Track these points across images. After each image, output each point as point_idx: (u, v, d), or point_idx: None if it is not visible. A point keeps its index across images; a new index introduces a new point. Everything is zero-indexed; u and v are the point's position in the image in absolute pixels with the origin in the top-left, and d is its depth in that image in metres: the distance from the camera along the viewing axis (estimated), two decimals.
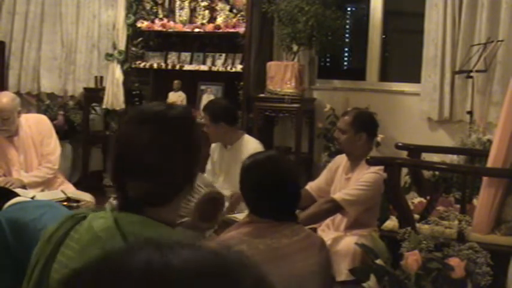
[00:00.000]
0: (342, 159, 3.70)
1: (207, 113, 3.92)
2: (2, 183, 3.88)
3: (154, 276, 0.58)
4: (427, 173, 4.00)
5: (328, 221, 3.63)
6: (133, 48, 5.80)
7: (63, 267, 1.38)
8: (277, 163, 2.28)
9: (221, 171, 4.00)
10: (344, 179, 3.57)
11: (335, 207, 3.38)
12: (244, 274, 0.60)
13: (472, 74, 4.69)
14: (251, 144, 3.86)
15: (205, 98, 5.55)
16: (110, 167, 1.45)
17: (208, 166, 4.11)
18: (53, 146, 4.21)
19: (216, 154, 4.06)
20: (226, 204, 3.40)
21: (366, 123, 3.57)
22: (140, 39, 5.82)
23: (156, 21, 5.75)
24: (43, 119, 4.35)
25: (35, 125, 4.19)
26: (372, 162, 3.31)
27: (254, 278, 0.61)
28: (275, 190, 2.21)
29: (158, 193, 1.41)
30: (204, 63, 5.67)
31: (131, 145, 1.41)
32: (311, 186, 3.70)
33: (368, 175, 3.38)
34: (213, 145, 4.08)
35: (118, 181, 1.43)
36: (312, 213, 3.33)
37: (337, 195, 3.39)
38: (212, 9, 5.64)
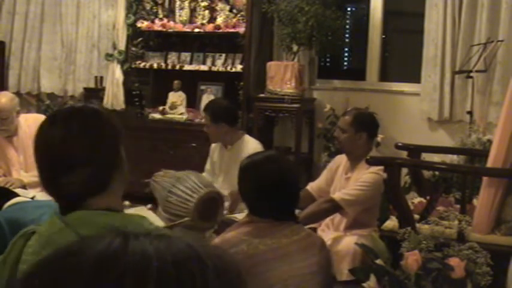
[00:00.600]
0: (341, 159, 3.70)
1: (207, 113, 3.92)
2: (2, 183, 3.88)
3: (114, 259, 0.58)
4: (427, 173, 4.00)
5: (327, 220, 3.63)
6: (133, 48, 5.80)
7: None
8: (276, 163, 2.28)
9: (221, 172, 4.00)
10: (344, 179, 3.57)
11: (334, 207, 3.38)
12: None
13: (472, 74, 4.69)
14: (251, 145, 3.86)
15: (205, 98, 5.55)
16: (38, 174, 1.52)
17: (208, 166, 4.11)
18: None
19: (215, 154, 4.05)
20: (226, 204, 3.40)
21: (366, 123, 3.58)
22: (140, 39, 5.82)
23: (156, 21, 5.75)
24: (42, 118, 4.34)
25: (34, 125, 4.17)
26: (372, 162, 3.31)
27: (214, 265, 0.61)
28: (274, 190, 2.21)
29: (87, 183, 1.45)
30: (204, 63, 5.67)
31: (48, 144, 1.47)
32: (311, 187, 3.70)
33: (368, 175, 3.38)
34: (212, 145, 4.08)
35: (50, 183, 1.47)
36: (311, 213, 3.33)
37: (337, 195, 3.39)
38: (212, 9, 5.64)
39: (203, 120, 3.93)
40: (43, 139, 1.49)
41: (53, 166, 1.46)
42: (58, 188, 1.46)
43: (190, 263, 0.60)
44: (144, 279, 0.57)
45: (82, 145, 1.45)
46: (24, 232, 1.49)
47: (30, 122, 4.17)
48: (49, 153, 1.47)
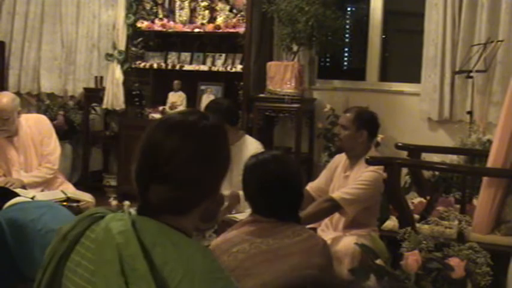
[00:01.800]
0: (341, 158, 3.70)
1: (209, 112, 3.92)
2: (2, 183, 3.88)
3: None
4: (427, 173, 4.00)
5: (327, 220, 3.63)
6: (133, 48, 5.80)
7: (77, 265, 1.38)
8: (281, 163, 2.28)
9: None
10: (343, 177, 3.57)
11: (334, 206, 3.38)
12: None
13: (472, 74, 4.69)
14: (252, 145, 3.86)
15: (205, 98, 5.55)
16: (134, 168, 1.42)
17: None
18: (53, 146, 4.21)
19: None
20: (226, 204, 3.40)
21: (367, 121, 3.58)
22: (140, 39, 5.82)
23: (156, 21, 5.75)
24: (43, 119, 4.35)
25: (35, 125, 4.19)
26: (372, 162, 3.30)
27: None
28: (278, 190, 2.21)
29: (179, 201, 1.39)
30: (204, 63, 5.67)
31: (158, 150, 1.39)
32: (311, 187, 3.70)
33: (367, 173, 3.38)
34: None
35: (141, 184, 1.41)
36: (311, 213, 3.32)
37: (336, 194, 3.39)
38: (212, 10, 5.64)
39: None
40: (155, 143, 1.40)
41: (152, 171, 1.39)
42: (146, 189, 1.39)
43: None
44: None
45: (190, 167, 1.38)
46: (92, 214, 1.43)
47: (30, 123, 4.18)
48: (155, 159, 1.39)
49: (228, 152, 1.48)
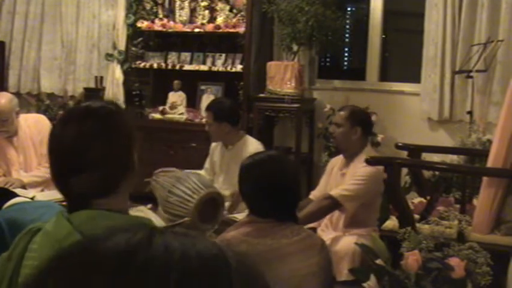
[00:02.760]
0: (337, 160, 3.73)
1: (210, 111, 3.91)
2: (1, 183, 3.88)
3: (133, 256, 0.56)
4: (427, 173, 4.00)
5: (327, 220, 3.63)
6: (133, 48, 5.80)
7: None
8: (277, 163, 2.28)
9: (221, 171, 4.00)
10: (339, 175, 3.58)
11: (333, 204, 3.38)
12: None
13: (472, 74, 4.69)
14: (253, 145, 3.86)
15: (205, 98, 5.55)
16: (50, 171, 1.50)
17: (207, 164, 4.11)
18: None
19: (216, 154, 4.05)
20: (226, 204, 3.40)
21: (361, 119, 3.61)
22: (140, 39, 5.82)
23: (156, 21, 5.75)
24: (42, 118, 4.34)
25: (34, 125, 4.19)
26: (372, 162, 3.31)
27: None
28: (275, 190, 2.21)
29: (99, 183, 1.44)
30: (204, 63, 5.67)
31: (61, 142, 1.46)
32: (314, 195, 3.69)
33: (363, 169, 3.39)
34: (213, 144, 4.08)
35: (59, 180, 1.47)
36: (310, 212, 3.33)
37: (334, 192, 3.39)
38: (212, 9, 5.64)
39: (203, 120, 3.92)
40: (56, 137, 1.48)
41: (64, 165, 1.45)
42: (67, 187, 1.45)
43: (215, 260, 0.58)
44: (166, 273, 0.55)
45: (95, 147, 1.44)
46: (29, 229, 1.49)
47: (30, 122, 4.17)
48: (61, 152, 1.46)
49: (129, 127, 1.54)
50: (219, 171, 4.02)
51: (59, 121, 1.51)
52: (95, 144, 1.44)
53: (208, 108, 3.98)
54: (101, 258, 0.57)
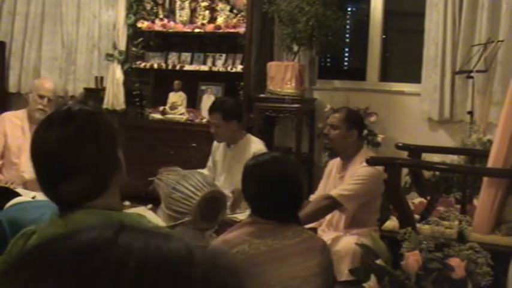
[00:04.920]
0: (334, 163, 3.74)
1: (218, 111, 3.85)
2: (2, 182, 3.89)
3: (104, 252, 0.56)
4: (427, 173, 4.00)
5: (327, 221, 3.64)
6: (134, 49, 5.80)
7: None
8: (281, 164, 2.28)
9: (223, 170, 4.00)
10: (338, 178, 3.59)
11: (333, 204, 3.39)
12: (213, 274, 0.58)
13: (472, 74, 4.69)
14: (255, 145, 3.86)
15: (206, 98, 5.56)
16: (36, 176, 1.49)
17: (209, 163, 4.11)
18: None
19: (217, 153, 4.05)
20: (228, 203, 3.40)
21: (357, 121, 3.63)
22: (140, 39, 5.82)
23: (157, 21, 5.75)
24: None
25: None
26: (373, 162, 3.31)
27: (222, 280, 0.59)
28: (278, 191, 2.21)
29: (87, 188, 1.44)
30: (204, 63, 5.67)
31: (45, 147, 1.45)
32: (314, 199, 3.70)
33: (362, 169, 3.40)
34: (215, 143, 4.07)
35: (47, 187, 1.46)
36: (310, 212, 3.33)
37: (334, 192, 3.40)
38: (212, 10, 5.64)
39: (204, 121, 3.91)
40: (39, 144, 1.46)
41: (50, 173, 1.44)
42: (56, 195, 1.44)
43: (176, 265, 0.57)
44: (120, 274, 0.54)
45: (80, 150, 1.44)
46: (24, 232, 1.49)
47: None
48: (45, 159, 1.45)
49: (111, 126, 1.54)
50: (220, 170, 4.02)
51: (40, 127, 1.49)
52: (80, 147, 1.44)
53: (215, 109, 3.91)
54: (58, 257, 0.57)
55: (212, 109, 3.94)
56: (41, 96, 4.18)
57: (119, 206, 1.53)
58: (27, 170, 4.13)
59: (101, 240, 0.57)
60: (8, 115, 4.36)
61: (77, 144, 1.44)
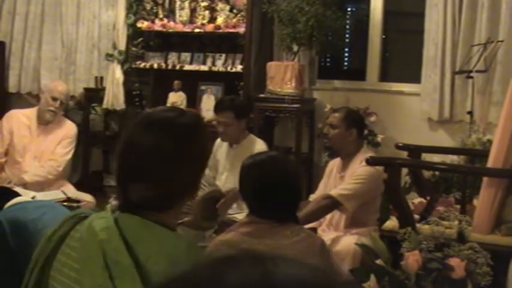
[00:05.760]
0: (334, 163, 3.74)
1: (230, 110, 3.80)
2: (4, 181, 3.91)
3: None
4: (427, 173, 4.00)
5: (327, 221, 3.64)
6: (134, 49, 5.80)
7: (63, 265, 1.39)
8: (278, 163, 2.28)
9: (224, 169, 4.00)
10: (338, 178, 3.59)
11: (333, 203, 3.39)
12: None
13: (472, 74, 4.69)
14: (259, 144, 3.86)
15: (206, 98, 5.56)
16: (114, 168, 1.44)
17: (210, 162, 4.10)
18: (68, 150, 4.33)
19: (219, 152, 4.04)
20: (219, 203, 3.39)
21: (357, 120, 3.63)
22: (140, 39, 5.82)
23: (156, 21, 5.75)
24: (73, 126, 4.49)
25: (63, 127, 4.33)
26: (373, 162, 3.31)
27: None
28: (275, 190, 2.21)
29: (158, 199, 1.40)
30: (204, 63, 5.67)
31: (136, 148, 1.40)
32: (314, 199, 3.70)
33: (362, 169, 3.40)
34: (216, 142, 4.06)
35: (121, 182, 1.43)
36: (310, 211, 3.33)
37: (334, 191, 3.40)
38: (212, 10, 5.64)
39: (204, 121, 3.87)
40: (133, 140, 1.42)
41: (131, 169, 1.41)
42: (126, 188, 1.40)
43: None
44: None
45: (169, 163, 1.39)
46: (76, 213, 1.45)
47: (59, 127, 4.30)
48: (133, 156, 1.41)
49: (205, 148, 1.51)
50: (222, 169, 4.01)
51: (140, 125, 1.44)
52: (172, 160, 1.39)
53: (225, 108, 3.84)
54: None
55: (222, 108, 3.88)
56: (54, 99, 4.20)
57: (175, 225, 1.48)
58: (29, 171, 4.14)
59: (253, 281, 0.53)
60: (17, 113, 4.38)
61: (171, 156, 1.39)
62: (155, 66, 5.76)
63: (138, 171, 1.40)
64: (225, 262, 0.55)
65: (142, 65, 5.78)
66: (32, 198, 3.45)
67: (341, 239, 3.42)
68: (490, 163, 3.29)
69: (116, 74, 5.75)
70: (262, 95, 5.35)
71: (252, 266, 0.54)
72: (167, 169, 1.39)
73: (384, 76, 5.68)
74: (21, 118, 4.28)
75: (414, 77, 5.38)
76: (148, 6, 5.81)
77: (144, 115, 1.50)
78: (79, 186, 4.61)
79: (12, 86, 6.43)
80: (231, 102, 3.91)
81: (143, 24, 5.74)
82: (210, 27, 5.54)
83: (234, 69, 5.49)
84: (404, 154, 4.13)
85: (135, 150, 1.40)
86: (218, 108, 3.94)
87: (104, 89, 5.89)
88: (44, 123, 4.26)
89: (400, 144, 4.13)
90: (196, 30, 5.59)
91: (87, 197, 3.97)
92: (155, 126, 1.41)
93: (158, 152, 1.39)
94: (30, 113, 4.30)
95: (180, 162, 1.41)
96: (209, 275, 0.54)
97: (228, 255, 0.56)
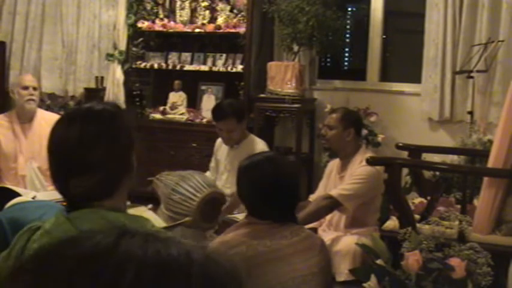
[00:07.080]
0: (334, 163, 3.74)
1: (232, 116, 3.78)
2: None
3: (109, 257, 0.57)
4: (427, 173, 4.00)
5: (327, 221, 3.64)
6: (134, 49, 5.80)
7: None
8: (275, 164, 2.27)
9: (225, 170, 4.00)
10: (338, 178, 3.59)
11: (333, 203, 3.39)
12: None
13: (472, 74, 4.69)
14: (258, 145, 3.86)
15: (206, 98, 5.56)
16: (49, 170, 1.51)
17: (212, 163, 4.10)
18: None
19: (220, 152, 4.04)
20: (227, 203, 3.40)
21: (354, 120, 3.64)
22: (141, 39, 5.82)
23: (157, 21, 5.75)
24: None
25: (48, 124, 4.24)
26: (373, 162, 3.31)
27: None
28: (273, 191, 2.20)
29: (99, 187, 1.45)
30: (204, 63, 5.67)
31: (64, 144, 1.46)
32: (313, 198, 3.70)
33: (361, 169, 3.41)
34: (217, 143, 4.06)
35: (58, 181, 1.48)
36: (310, 212, 3.33)
37: (334, 192, 3.41)
38: (213, 10, 5.65)
39: (204, 121, 3.89)
40: (59, 138, 1.48)
41: (65, 166, 1.46)
42: (67, 188, 1.46)
43: (175, 271, 0.57)
44: (117, 282, 0.55)
45: (97, 149, 1.45)
46: (29, 227, 1.50)
47: (46, 118, 4.18)
48: (63, 153, 1.46)
49: (130, 128, 1.54)
50: (223, 169, 4.01)
51: (61, 122, 1.51)
52: (98, 146, 1.45)
53: (227, 115, 3.79)
54: (58, 264, 0.58)
55: (223, 115, 3.82)
56: (25, 87, 4.16)
57: (124, 207, 1.54)
58: (26, 173, 4.12)
59: (101, 248, 0.58)
60: None
61: (95, 142, 1.45)
62: (155, 66, 5.76)
63: (72, 166, 1.45)
64: (88, 232, 0.62)
65: (143, 65, 5.78)
66: (33, 198, 3.45)
67: (341, 239, 3.42)
68: (491, 163, 3.29)
69: (116, 74, 5.76)
70: (262, 95, 5.35)
71: (109, 235, 0.59)
72: (97, 155, 1.45)
73: (384, 76, 5.68)
74: (2, 123, 4.15)
75: (414, 77, 5.38)
76: (148, 6, 5.81)
77: (65, 113, 1.58)
78: None
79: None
80: (230, 108, 3.84)
81: (143, 24, 5.75)
82: (210, 27, 5.54)
83: (234, 69, 5.49)
84: (404, 154, 4.13)
85: (64, 147, 1.46)
86: (219, 116, 3.86)
87: (104, 89, 5.89)
88: (27, 120, 4.12)
89: (401, 144, 4.13)
90: (197, 30, 5.59)
91: None
92: (77, 119, 1.48)
93: (85, 142, 1.44)
94: (9, 115, 4.17)
95: (107, 146, 1.46)
96: (68, 240, 0.61)
97: (118, 227, 0.62)
